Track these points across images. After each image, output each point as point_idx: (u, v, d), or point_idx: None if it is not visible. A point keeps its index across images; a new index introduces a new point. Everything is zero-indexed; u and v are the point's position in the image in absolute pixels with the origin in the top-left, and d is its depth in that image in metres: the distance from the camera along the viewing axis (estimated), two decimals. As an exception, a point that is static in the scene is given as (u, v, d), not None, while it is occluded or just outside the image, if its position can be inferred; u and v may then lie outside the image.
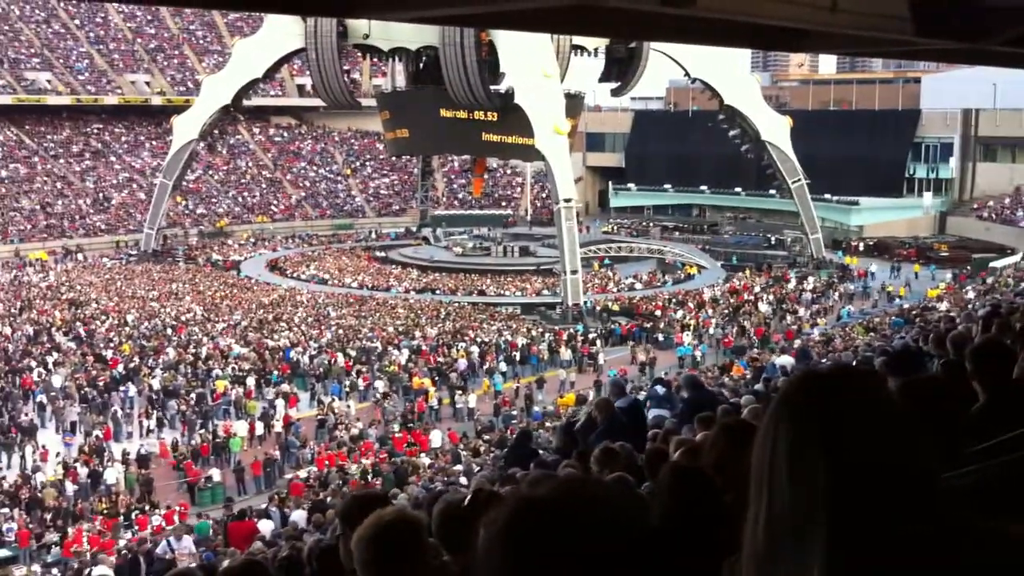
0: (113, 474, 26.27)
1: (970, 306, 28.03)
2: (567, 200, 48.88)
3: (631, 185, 79.67)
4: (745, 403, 10.20)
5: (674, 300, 48.51)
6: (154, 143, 76.29)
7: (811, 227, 58.65)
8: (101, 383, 33.44)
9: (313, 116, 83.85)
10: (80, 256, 62.65)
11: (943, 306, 35.65)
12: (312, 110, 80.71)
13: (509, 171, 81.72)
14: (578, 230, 52.61)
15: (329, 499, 19.13)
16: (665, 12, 4.77)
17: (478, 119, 53.13)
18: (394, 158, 74.93)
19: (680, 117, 79.40)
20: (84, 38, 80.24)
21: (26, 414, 31.15)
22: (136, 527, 23.28)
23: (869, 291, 51.91)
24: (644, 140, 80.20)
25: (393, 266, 60.09)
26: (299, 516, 17.77)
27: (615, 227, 73.97)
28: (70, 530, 22.86)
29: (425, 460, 25.87)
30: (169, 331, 40.85)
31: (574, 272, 47.55)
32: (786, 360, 25.52)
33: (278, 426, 30.70)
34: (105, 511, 24.33)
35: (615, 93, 61.19)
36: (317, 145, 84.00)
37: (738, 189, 73.15)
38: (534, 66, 49.25)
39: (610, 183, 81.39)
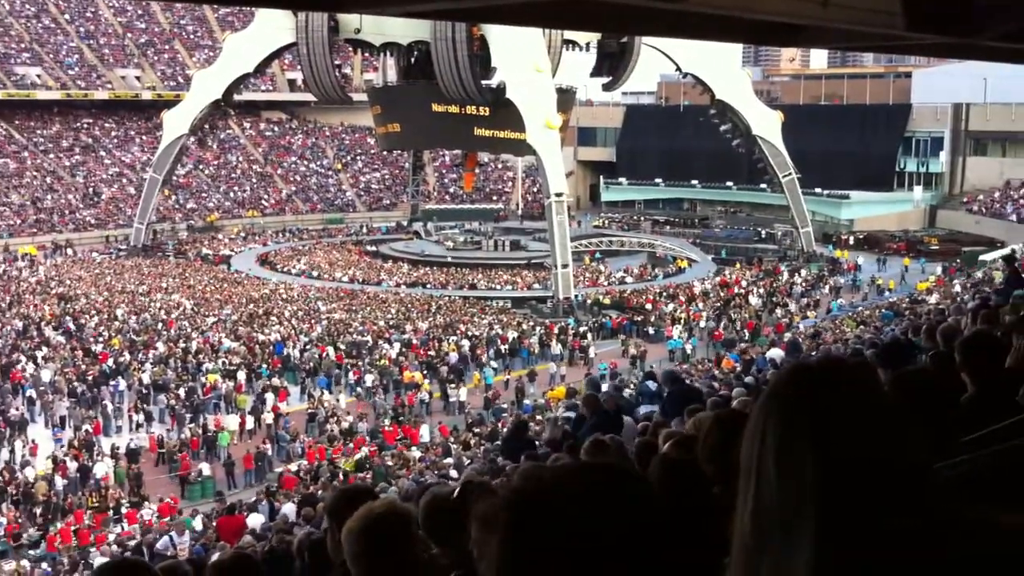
0: (103, 468, 26.18)
1: (959, 299, 28.08)
2: (558, 194, 48.87)
3: (622, 179, 79.86)
4: (735, 395, 10.23)
5: (665, 293, 48.67)
6: (144, 138, 76.00)
7: (802, 221, 58.86)
8: (91, 377, 33.37)
9: (304, 111, 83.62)
10: (70, 251, 62.46)
11: (933, 299, 35.73)
12: (303, 105, 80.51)
13: (500, 165, 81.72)
14: (569, 224, 52.61)
15: (319, 492, 19.11)
16: (658, 7, 4.76)
17: (470, 114, 53.09)
18: (385, 152, 74.84)
19: (671, 112, 79.41)
20: (74, 33, 79.90)
21: (16, 408, 31.05)
22: (126, 521, 23.24)
23: (859, 284, 52.08)
24: (635, 134, 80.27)
25: (384, 260, 60.08)
26: (289, 509, 17.75)
27: (606, 221, 74.02)
28: (59, 524, 22.81)
29: (416, 453, 25.85)
30: (159, 325, 40.77)
31: (565, 266, 47.60)
32: (776, 353, 25.63)
33: (269, 419, 30.67)
34: (94, 505, 24.29)
35: (607, 88, 61.17)
36: (308, 140, 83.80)
37: (729, 183, 73.28)
38: (526, 61, 49.22)
39: (601, 177, 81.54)
